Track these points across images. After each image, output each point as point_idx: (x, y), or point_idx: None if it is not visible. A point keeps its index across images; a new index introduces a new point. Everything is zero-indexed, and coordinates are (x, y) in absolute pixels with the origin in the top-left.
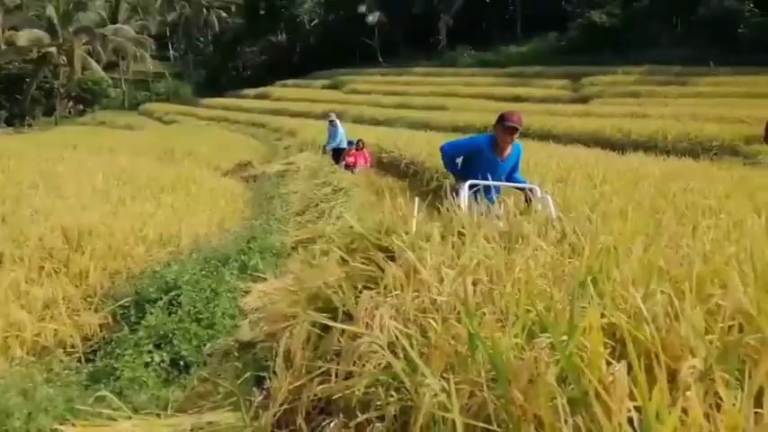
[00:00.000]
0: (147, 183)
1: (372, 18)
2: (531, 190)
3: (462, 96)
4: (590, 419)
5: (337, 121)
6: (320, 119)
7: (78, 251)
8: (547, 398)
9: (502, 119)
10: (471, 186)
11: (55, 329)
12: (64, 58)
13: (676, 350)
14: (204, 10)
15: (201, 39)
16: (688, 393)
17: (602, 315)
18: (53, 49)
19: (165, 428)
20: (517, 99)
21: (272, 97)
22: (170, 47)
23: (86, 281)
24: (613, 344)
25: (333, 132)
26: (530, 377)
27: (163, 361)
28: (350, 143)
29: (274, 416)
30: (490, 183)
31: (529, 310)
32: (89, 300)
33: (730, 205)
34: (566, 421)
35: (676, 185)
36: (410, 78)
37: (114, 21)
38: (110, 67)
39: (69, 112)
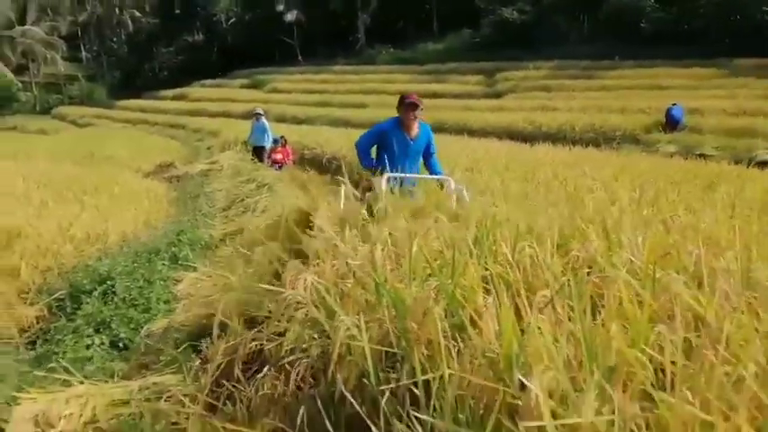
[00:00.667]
0: (69, 186)
1: (291, 16)
2: (445, 181)
3: (381, 93)
4: (468, 338)
5: (263, 117)
6: (241, 119)
7: (8, 250)
8: (435, 325)
9: (402, 99)
10: (389, 179)
11: None
12: None
13: (537, 288)
14: (117, 9)
15: (115, 39)
16: (540, 315)
17: (486, 268)
18: None
19: (114, 390)
20: (434, 95)
21: (191, 98)
22: (82, 48)
23: (18, 278)
24: (492, 287)
25: (256, 127)
26: (423, 312)
27: (102, 343)
28: (275, 141)
29: (212, 375)
30: (406, 175)
31: (425, 267)
32: (23, 296)
33: (615, 185)
34: (449, 340)
35: (573, 171)
36: (330, 77)
37: (22, 22)
38: (19, 70)
39: None
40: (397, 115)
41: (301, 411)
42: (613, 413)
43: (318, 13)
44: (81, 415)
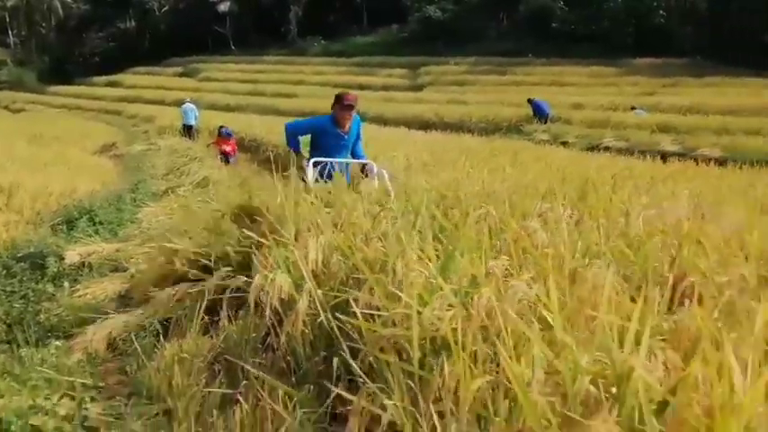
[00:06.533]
0: (33, 159)
1: (223, 7)
2: (367, 165)
3: (311, 84)
4: None
5: (188, 103)
6: (175, 105)
7: (13, 198)
8: None
9: (340, 99)
10: (316, 164)
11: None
12: None
13: None
14: None
15: (44, 24)
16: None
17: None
18: None
19: (119, 244)
20: (360, 87)
21: (125, 85)
22: (10, 33)
23: (23, 214)
24: None
25: (184, 110)
26: None
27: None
28: (228, 134)
29: None
30: (331, 160)
31: None
32: (29, 224)
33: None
34: None
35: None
36: (262, 67)
37: None
38: None
39: None
40: (331, 113)
41: None
42: None
43: (250, 4)
44: (102, 253)
